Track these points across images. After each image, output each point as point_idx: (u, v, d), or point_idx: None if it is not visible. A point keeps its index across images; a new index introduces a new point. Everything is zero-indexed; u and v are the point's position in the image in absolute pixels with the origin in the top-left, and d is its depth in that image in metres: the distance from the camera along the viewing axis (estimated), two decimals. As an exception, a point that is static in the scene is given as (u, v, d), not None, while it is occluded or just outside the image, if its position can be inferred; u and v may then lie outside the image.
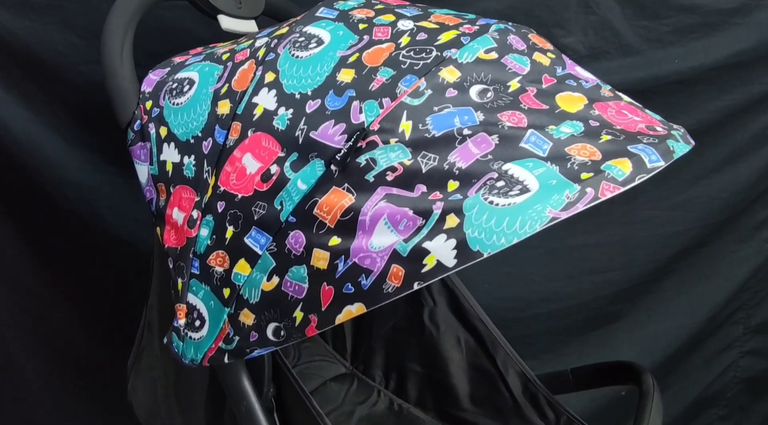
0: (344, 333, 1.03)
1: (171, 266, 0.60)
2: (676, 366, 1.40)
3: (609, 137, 0.49)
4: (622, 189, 0.46)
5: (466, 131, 0.49)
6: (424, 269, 0.46)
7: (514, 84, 0.52)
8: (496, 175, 0.47)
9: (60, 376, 1.12)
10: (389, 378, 1.01)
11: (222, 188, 0.56)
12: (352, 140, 0.50)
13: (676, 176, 1.35)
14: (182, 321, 0.58)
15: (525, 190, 0.45)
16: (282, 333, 0.53)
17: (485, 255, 0.45)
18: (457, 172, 0.48)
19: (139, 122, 0.63)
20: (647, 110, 0.59)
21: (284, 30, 0.61)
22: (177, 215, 0.59)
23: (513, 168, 0.47)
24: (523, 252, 1.32)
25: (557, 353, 1.31)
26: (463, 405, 0.94)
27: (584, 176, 0.46)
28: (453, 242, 0.45)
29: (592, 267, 1.35)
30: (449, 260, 0.46)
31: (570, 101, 0.52)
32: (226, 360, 0.57)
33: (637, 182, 0.46)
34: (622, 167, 0.46)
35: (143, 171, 0.63)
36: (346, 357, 1.04)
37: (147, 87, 0.65)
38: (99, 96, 0.72)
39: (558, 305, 1.35)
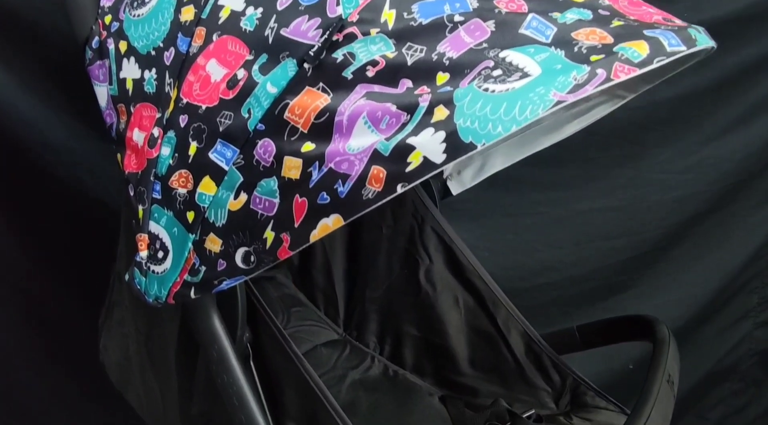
0: (336, 297, 0.98)
1: (132, 194, 0.54)
2: (687, 338, 1.34)
3: (621, 23, 0.43)
4: (639, 71, 0.40)
5: (457, 18, 0.43)
6: (409, 168, 0.40)
7: (512, -28, 0.46)
8: (492, 63, 0.41)
9: (39, 345, 1.07)
10: (384, 343, 0.95)
11: (185, 100, 0.51)
12: (327, 33, 0.45)
13: (687, 137, 1.29)
14: (144, 253, 0.53)
15: (525, 76, 0.40)
16: (252, 258, 0.47)
17: (479, 147, 0.39)
18: (447, 62, 0.42)
19: (97, 38, 0.58)
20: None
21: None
22: (137, 136, 0.54)
23: (511, 55, 0.41)
24: (526, 219, 1.27)
25: (562, 325, 1.23)
26: (462, 369, 0.88)
27: (594, 58, 0.40)
28: (441, 134, 0.39)
29: (598, 234, 1.30)
30: (437, 156, 0.40)
31: (576, -10, 0.46)
32: (192, 294, 0.51)
33: (655, 65, 0.40)
34: (638, 49, 0.40)
35: (102, 93, 0.58)
36: (339, 324, 0.98)
37: (106, 1, 0.59)
38: (79, 55, 0.67)
39: (563, 275, 1.30)
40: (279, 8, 0.48)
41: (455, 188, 0.97)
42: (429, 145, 0.40)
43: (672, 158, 1.30)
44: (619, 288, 1.31)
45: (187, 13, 0.52)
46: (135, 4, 0.56)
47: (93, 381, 1.03)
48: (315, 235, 0.44)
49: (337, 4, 0.45)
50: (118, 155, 0.57)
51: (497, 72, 0.41)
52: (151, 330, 0.68)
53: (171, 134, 0.52)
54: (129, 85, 0.56)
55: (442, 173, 0.98)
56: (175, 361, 0.64)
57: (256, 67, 0.48)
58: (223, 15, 0.50)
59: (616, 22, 0.43)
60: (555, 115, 0.85)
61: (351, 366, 0.92)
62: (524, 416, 0.78)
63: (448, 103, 0.41)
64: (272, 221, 0.46)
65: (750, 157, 1.32)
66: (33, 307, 1.06)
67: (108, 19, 0.58)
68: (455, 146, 0.39)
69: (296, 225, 0.45)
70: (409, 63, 0.43)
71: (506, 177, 1.22)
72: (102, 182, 1.02)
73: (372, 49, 0.44)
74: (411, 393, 0.89)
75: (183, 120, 0.51)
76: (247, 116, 0.48)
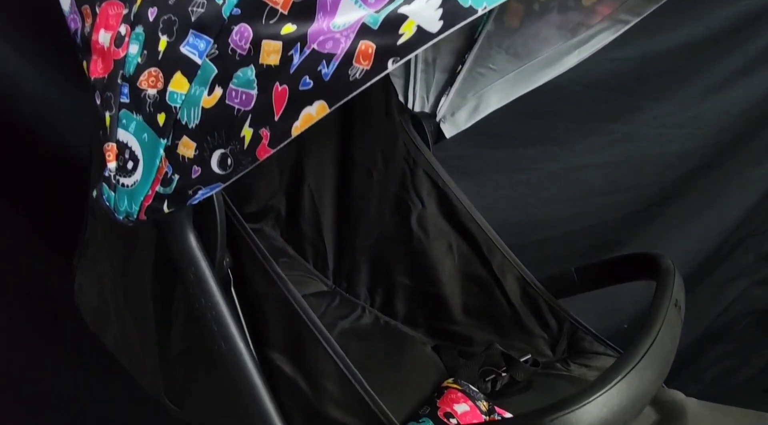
0: (325, 249, 0.94)
1: (98, 102, 0.50)
2: (682, 297, 1.32)
3: None
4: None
5: None
6: (401, 41, 0.36)
7: None
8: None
9: (16, 305, 1.03)
10: (375, 294, 0.91)
11: (153, -8, 0.46)
12: None
13: (684, 90, 1.26)
14: (112, 165, 0.48)
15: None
16: (229, 161, 0.43)
17: (479, 11, 0.35)
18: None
19: (58, -65, 0.53)
20: None
21: None
22: (103, 37, 0.49)
23: None
24: (519, 175, 1.24)
25: (557, 283, 1.22)
26: (456, 317, 0.85)
27: None
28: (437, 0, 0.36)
29: (594, 190, 1.28)
30: (432, 24, 0.36)
31: None
32: (165, 208, 0.47)
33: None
34: None
35: (65, -5, 0.53)
36: (328, 276, 0.94)
37: None
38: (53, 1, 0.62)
39: (558, 232, 1.27)
40: None
41: (449, 130, 0.93)
42: (423, 12, 0.36)
43: (669, 112, 1.27)
44: (615, 245, 1.28)
45: None
46: None
47: (75, 343, 1.00)
48: (297, 127, 0.40)
49: None
50: (84, 63, 0.52)
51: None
52: (126, 265, 0.64)
53: (139, 29, 0.47)
54: (94, -17, 0.51)
55: (434, 115, 0.94)
56: (151, 295, 0.60)
57: (231, -52, 0.43)
58: None
59: None
60: (554, 45, 0.81)
61: (341, 316, 0.88)
62: (521, 361, 0.76)
63: None
64: (250, 116, 0.42)
65: (748, 111, 1.30)
66: (7, 266, 1.01)
67: None
68: (453, 12, 0.35)
69: (276, 118, 0.41)
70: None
71: (500, 132, 1.20)
72: (83, 137, 0.97)
73: None
74: (403, 341, 0.86)
75: (152, 13, 0.47)
76: (221, 1, 0.43)
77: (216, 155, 0.44)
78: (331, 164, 0.91)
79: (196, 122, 0.44)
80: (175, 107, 0.45)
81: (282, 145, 0.41)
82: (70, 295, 0.78)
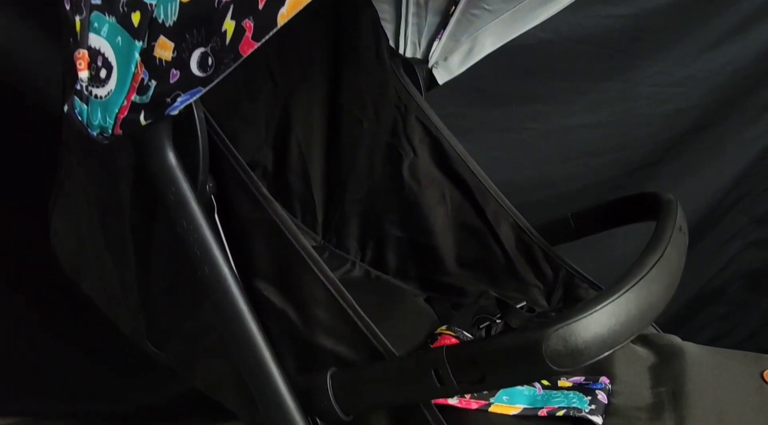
0: (314, 203, 0.91)
1: (68, 8, 0.46)
2: (675, 260, 1.30)
3: None
4: None
5: None
6: None
7: None
8: None
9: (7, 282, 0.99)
10: (366, 248, 0.88)
11: None
12: None
13: (679, 48, 1.24)
14: (84, 74, 0.45)
15: None
16: (210, 60, 0.40)
17: None
18: None
19: None
20: None
21: None
22: (72, -65, 0.46)
23: None
24: (511, 134, 1.22)
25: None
26: (449, 268, 0.82)
27: None
28: None
29: (587, 150, 1.25)
30: None
31: None
32: (142, 119, 0.44)
33: None
34: None
35: None
36: (317, 231, 0.92)
37: None
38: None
39: (551, 193, 1.25)
40: None
41: (441, 76, 0.89)
42: None
43: (664, 71, 1.25)
44: (608, 206, 1.27)
45: None
46: None
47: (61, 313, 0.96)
48: (283, 14, 0.37)
49: None
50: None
51: None
52: (104, 198, 0.60)
53: None
54: None
55: (427, 60, 0.91)
56: (130, 228, 0.57)
57: None
58: None
59: None
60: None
61: (330, 268, 0.86)
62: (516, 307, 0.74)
63: None
64: (232, 7, 0.39)
65: (742, 70, 1.28)
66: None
67: None
68: None
69: (261, 6, 0.37)
70: None
71: (493, 91, 1.17)
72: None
73: None
74: (395, 293, 0.83)
75: None
76: None
77: (196, 55, 0.41)
78: (319, 113, 0.88)
79: (174, 18, 0.41)
80: (151, 4, 0.42)
81: (267, 37, 0.38)
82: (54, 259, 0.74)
